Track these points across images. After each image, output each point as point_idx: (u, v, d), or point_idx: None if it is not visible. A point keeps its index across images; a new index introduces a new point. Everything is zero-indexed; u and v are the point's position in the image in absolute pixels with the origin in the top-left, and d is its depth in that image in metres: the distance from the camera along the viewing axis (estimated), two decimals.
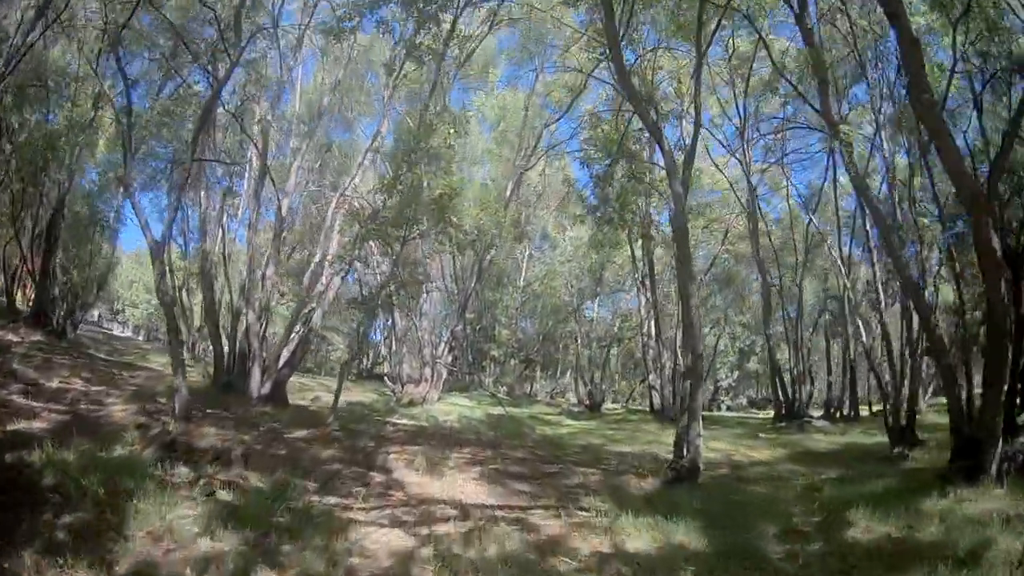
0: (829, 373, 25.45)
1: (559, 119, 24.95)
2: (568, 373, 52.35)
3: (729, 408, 42.80)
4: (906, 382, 15.87)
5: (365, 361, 50.40)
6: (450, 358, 26.16)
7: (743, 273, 28.86)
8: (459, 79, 26.31)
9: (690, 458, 10.61)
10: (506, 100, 32.90)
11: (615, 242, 35.54)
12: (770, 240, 25.60)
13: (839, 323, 26.97)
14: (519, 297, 44.87)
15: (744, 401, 47.23)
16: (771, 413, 25.85)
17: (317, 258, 18.55)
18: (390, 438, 13.45)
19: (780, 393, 23.44)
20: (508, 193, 26.21)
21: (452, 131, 15.44)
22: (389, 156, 20.21)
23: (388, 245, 15.26)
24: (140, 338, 52.36)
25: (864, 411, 24.11)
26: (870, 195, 15.28)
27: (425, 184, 14.24)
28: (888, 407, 15.97)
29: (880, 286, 18.57)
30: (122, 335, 48.86)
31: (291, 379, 18.88)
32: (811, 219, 24.16)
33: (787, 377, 24.11)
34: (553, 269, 42.37)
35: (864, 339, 22.89)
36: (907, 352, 19.29)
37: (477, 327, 48.54)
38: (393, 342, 31.76)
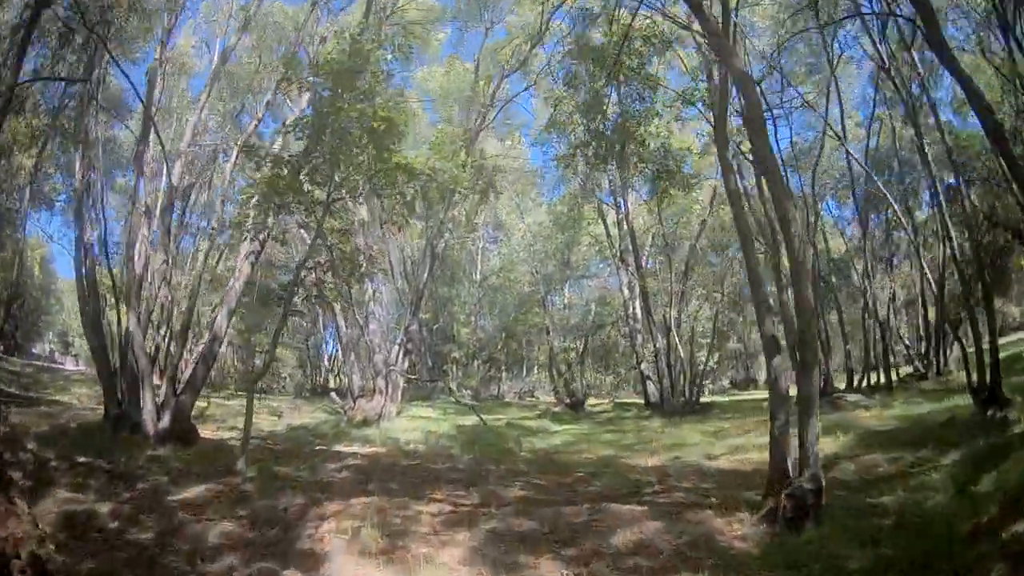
0: (846, 343, 22.17)
1: (518, 68, 21.09)
2: (535, 370, 48.48)
3: (711, 392, 39.53)
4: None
5: (318, 375, 45.73)
6: (406, 364, 21.89)
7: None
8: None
9: (811, 475, 6.71)
10: (453, 67, 28.76)
11: (579, 218, 32.54)
12: (749, 204, 22.40)
13: (839, 288, 23.97)
14: (476, 292, 40.85)
15: (726, 383, 44.24)
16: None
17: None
18: (329, 486, 9.23)
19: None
20: (472, 132, 21.50)
21: (394, 52, 11.32)
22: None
23: (308, 209, 10.95)
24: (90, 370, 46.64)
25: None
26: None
27: (357, 119, 10.03)
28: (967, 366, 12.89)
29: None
30: (70, 368, 42.72)
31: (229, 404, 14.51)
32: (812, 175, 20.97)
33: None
34: (511, 259, 38.52)
35: (872, 301, 20.02)
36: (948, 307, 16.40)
37: (434, 327, 44.27)
38: (339, 350, 27.36)
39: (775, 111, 19.77)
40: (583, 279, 40.32)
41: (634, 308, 24.35)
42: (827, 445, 11.89)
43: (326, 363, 46.38)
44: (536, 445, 15.19)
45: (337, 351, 40.92)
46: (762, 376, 52.98)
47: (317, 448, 15.18)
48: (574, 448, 14.22)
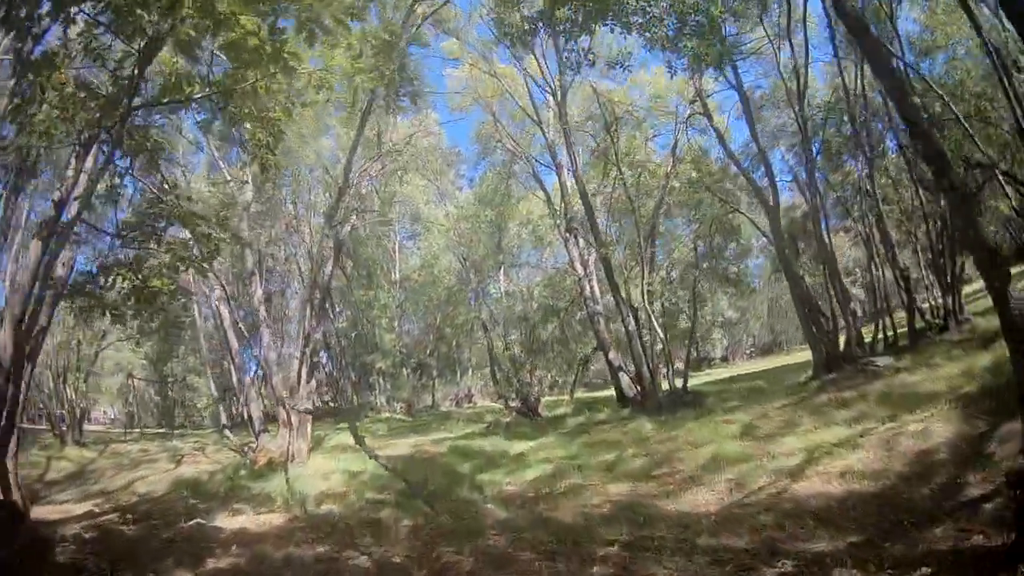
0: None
1: None
2: (470, 372, 43.88)
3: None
4: None
5: (236, 404, 39.54)
6: (312, 385, 17.02)
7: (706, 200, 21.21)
8: None
9: None
10: None
11: (507, 195, 28.19)
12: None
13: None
14: (398, 294, 35.94)
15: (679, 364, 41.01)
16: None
17: None
18: None
19: (817, 335, 16.25)
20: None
21: None
22: None
23: None
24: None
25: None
26: None
27: None
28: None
29: None
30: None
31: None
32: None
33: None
34: (433, 252, 33.79)
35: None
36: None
37: (353, 335, 38.97)
38: (233, 372, 22.06)
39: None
40: (522, 265, 36.21)
41: (591, 287, 20.17)
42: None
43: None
44: (504, 485, 10.71)
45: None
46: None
47: (187, 524, 10.30)
48: (564, 485, 9.79)
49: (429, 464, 14.09)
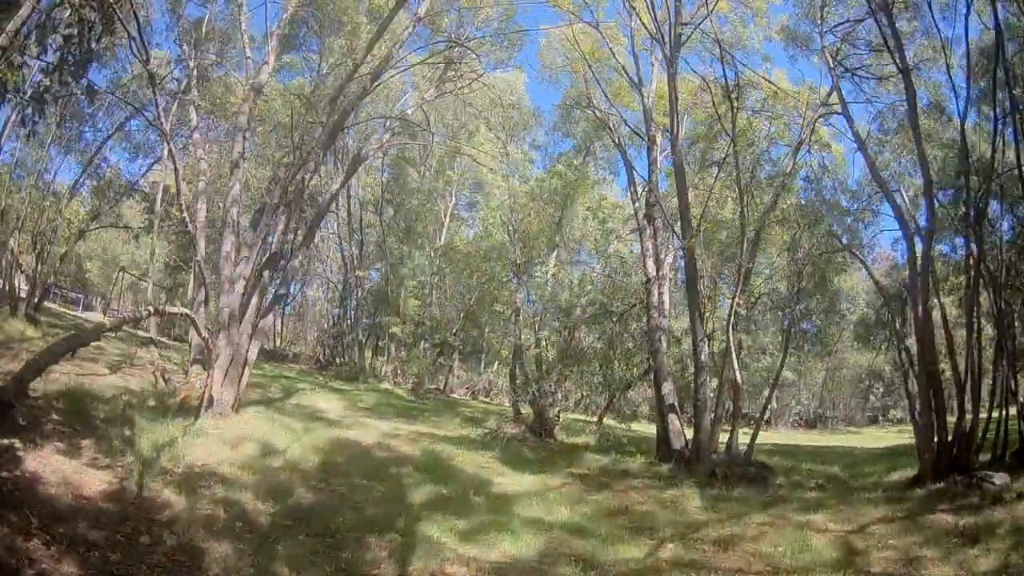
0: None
1: None
2: (496, 365, 39.31)
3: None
4: None
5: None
6: (270, 319, 13.02)
7: None
8: None
9: None
10: None
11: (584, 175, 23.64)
12: None
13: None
14: (436, 261, 31.61)
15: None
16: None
17: None
18: None
19: (929, 426, 11.32)
20: None
21: None
22: None
23: None
24: None
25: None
26: None
27: None
28: None
29: None
30: None
31: None
32: None
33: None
34: (486, 228, 29.33)
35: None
36: None
37: (375, 291, 35.05)
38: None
39: None
40: (577, 252, 31.60)
41: (660, 294, 15.46)
42: None
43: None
44: (451, 554, 6.20)
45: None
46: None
47: None
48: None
49: (375, 471, 9.76)
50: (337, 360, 32.55)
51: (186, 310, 12.75)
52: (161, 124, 11.18)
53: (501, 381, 36.61)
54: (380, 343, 37.89)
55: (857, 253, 15.61)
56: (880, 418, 46.15)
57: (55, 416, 8.48)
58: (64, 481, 6.18)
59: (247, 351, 12.24)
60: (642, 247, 16.20)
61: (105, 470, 7.12)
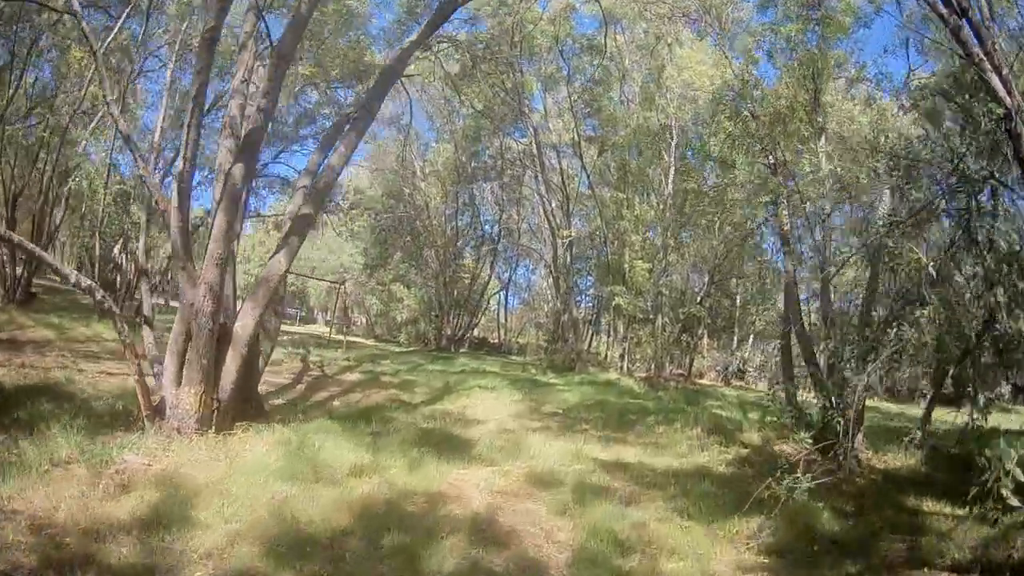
0: None
1: None
2: (751, 340, 30.78)
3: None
4: None
5: None
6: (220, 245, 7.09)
7: None
8: None
9: None
10: None
11: None
12: None
13: None
14: (665, 214, 24.27)
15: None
16: None
17: None
18: None
19: None
20: None
21: None
22: None
23: None
24: None
25: None
26: None
27: None
28: None
29: None
30: None
31: None
32: None
33: None
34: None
35: None
36: None
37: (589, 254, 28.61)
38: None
39: None
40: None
41: None
42: None
43: None
44: None
45: None
46: None
47: None
48: None
49: None
50: (552, 347, 26.85)
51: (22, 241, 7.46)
52: None
53: (759, 358, 28.21)
54: (603, 321, 31.42)
55: None
56: None
57: None
58: None
59: (233, 307, 6.81)
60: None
61: None
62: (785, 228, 12.26)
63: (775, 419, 10.58)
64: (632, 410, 13.74)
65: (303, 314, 40.87)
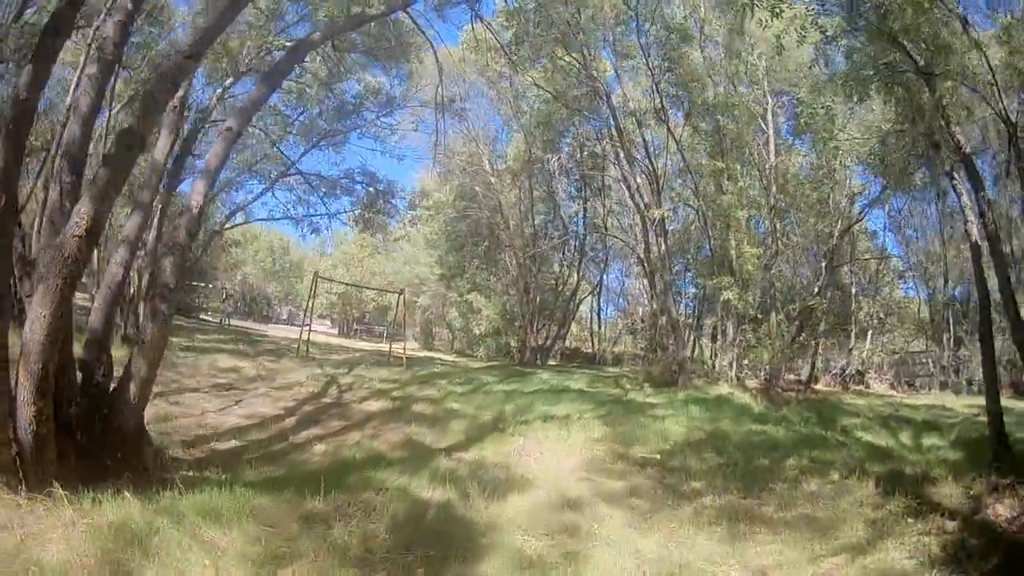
0: None
1: None
2: (868, 338, 25.90)
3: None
4: None
5: None
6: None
7: None
8: None
9: None
10: None
11: None
12: None
13: None
14: (771, 193, 20.18)
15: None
16: None
17: None
18: None
19: None
20: None
21: None
22: None
23: None
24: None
25: None
26: None
27: None
28: None
29: None
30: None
31: None
32: None
33: None
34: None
35: None
36: None
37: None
38: None
39: None
40: None
41: None
42: None
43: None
44: None
45: None
46: None
47: None
48: None
49: None
50: (649, 357, 23.17)
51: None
52: None
53: (878, 358, 23.94)
54: (705, 324, 27.24)
55: None
56: None
57: None
58: None
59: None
60: None
61: None
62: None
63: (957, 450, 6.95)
64: (759, 445, 9.98)
65: (391, 331, 38.23)
